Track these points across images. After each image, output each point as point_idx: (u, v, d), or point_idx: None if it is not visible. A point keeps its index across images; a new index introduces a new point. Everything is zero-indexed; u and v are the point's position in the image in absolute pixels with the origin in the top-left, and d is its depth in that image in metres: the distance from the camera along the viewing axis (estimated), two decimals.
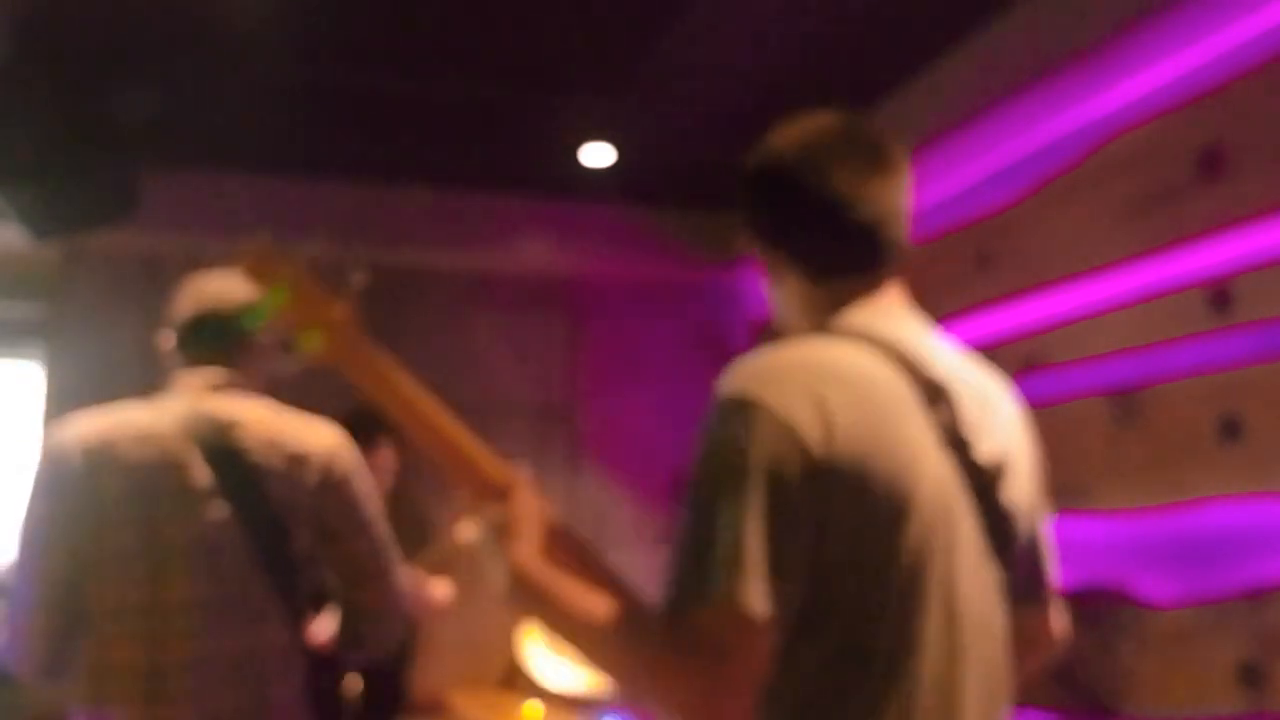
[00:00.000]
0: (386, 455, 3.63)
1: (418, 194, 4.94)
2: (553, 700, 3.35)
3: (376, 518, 2.20)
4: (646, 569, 2.11)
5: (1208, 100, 2.84)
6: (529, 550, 1.25)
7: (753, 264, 1.52)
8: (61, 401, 4.59)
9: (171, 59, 3.61)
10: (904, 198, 1.38)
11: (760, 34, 3.61)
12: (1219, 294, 2.76)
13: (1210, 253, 2.79)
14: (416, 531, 3.80)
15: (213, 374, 2.16)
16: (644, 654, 1.13)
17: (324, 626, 2.27)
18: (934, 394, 1.27)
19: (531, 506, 1.30)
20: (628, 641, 1.15)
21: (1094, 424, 3.12)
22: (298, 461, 2.09)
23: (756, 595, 1.09)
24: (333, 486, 2.12)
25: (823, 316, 1.35)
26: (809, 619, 1.16)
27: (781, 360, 1.25)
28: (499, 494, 1.30)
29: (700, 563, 1.12)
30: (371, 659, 2.29)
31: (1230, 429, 2.72)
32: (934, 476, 1.23)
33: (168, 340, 2.27)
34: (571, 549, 1.35)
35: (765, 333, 5.24)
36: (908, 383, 1.26)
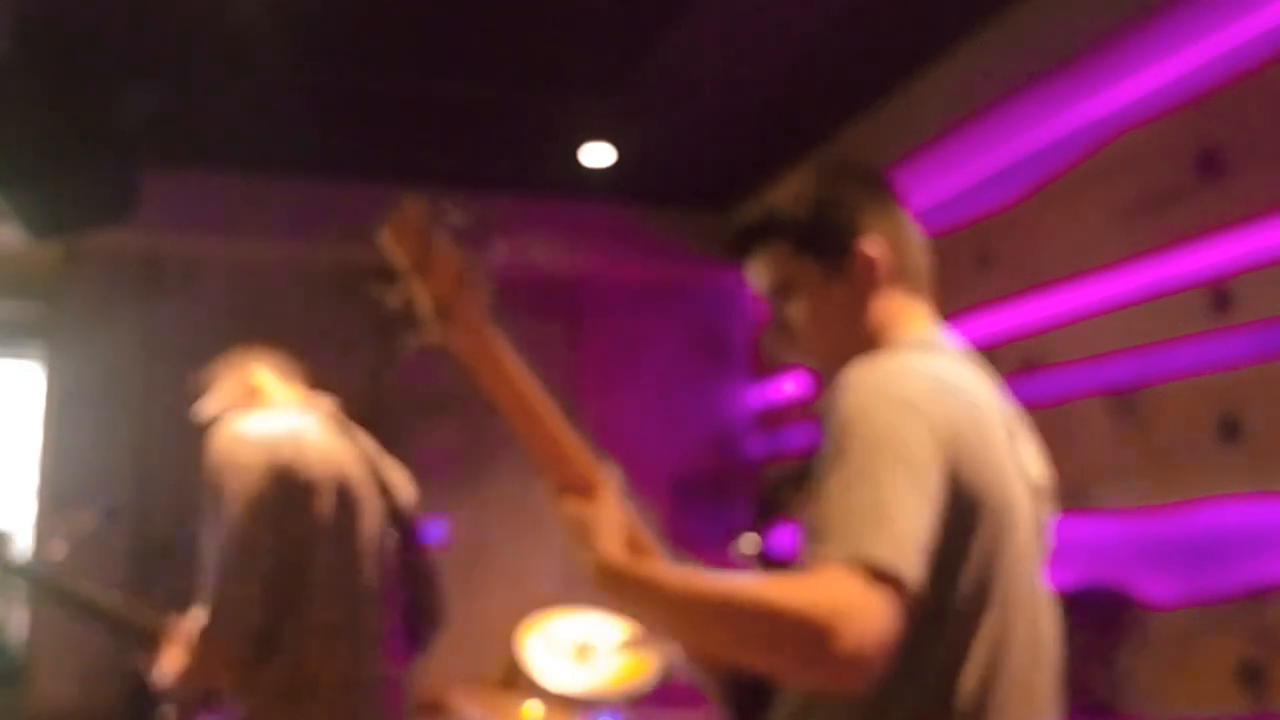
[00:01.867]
0: None
1: (418, 194, 4.93)
2: (553, 700, 3.35)
3: None
4: None
5: (1208, 100, 2.84)
6: (616, 543, 1.25)
7: (783, 293, 1.51)
8: (61, 401, 4.59)
9: (171, 59, 3.61)
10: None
11: (760, 35, 3.60)
12: (1219, 294, 2.76)
13: (1210, 253, 2.79)
14: None
15: (331, 401, 2.45)
16: (777, 616, 1.09)
17: None
18: (1005, 413, 1.37)
19: (615, 506, 1.31)
20: (754, 605, 1.12)
21: (1094, 424, 3.12)
22: (410, 487, 2.46)
23: (917, 570, 1.13)
24: (418, 507, 2.48)
25: (882, 331, 1.42)
26: (930, 615, 1.20)
27: (909, 366, 1.30)
28: (584, 491, 1.30)
29: (865, 529, 1.13)
30: None
31: (1230, 429, 2.72)
32: (1022, 490, 1.32)
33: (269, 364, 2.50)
34: (647, 554, 1.36)
35: (767, 340, 5.24)
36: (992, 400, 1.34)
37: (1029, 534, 1.32)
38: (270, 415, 2.27)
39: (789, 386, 4.97)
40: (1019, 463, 1.35)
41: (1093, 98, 3.16)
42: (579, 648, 3.39)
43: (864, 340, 1.42)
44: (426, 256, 1.31)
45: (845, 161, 1.59)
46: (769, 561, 3.54)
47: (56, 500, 4.47)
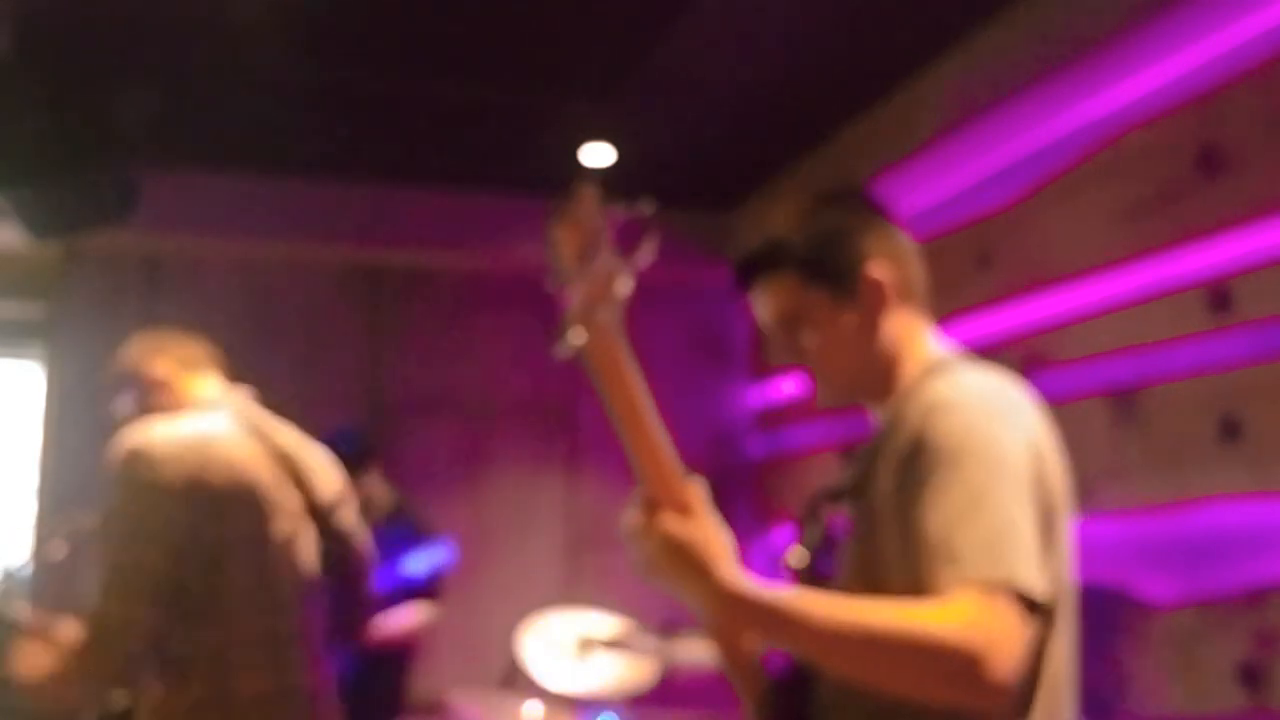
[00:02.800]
0: (375, 478, 3.65)
1: (418, 194, 4.93)
2: (553, 700, 3.35)
3: None
4: None
5: (1208, 100, 2.84)
6: (734, 567, 1.24)
7: (802, 321, 1.48)
8: (61, 401, 4.59)
9: (171, 59, 3.61)
10: None
11: (759, 35, 3.61)
12: (1219, 294, 2.76)
13: (1210, 253, 2.79)
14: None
15: (249, 391, 2.36)
16: (930, 646, 1.11)
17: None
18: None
19: (717, 527, 1.29)
20: (902, 634, 1.13)
21: (1094, 424, 3.12)
22: (333, 475, 2.37)
23: (1045, 587, 1.17)
24: (341, 492, 2.38)
25: (895, 351, 1.44)
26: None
27: (994, 380, 1.34)
28: (677, 509, 1.29)
29: (1001, 552, 1.15)
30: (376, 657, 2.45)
31: (1230, 429, 2.72)
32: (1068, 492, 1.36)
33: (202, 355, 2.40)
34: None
35: (767, 340, 5.23)
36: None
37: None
38: (176, 423, 2.16)
39: (789, 386, 4.97)
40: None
41: (1093, 98, 3.16)
42: (579, 647, 3.39)
43: (879, 362, 1.44)
44: (588, 255, 1.29)
45: (835, 186, 1.59)
46: (816, 576, 3.58)
47: (56, 500, 4.47)
